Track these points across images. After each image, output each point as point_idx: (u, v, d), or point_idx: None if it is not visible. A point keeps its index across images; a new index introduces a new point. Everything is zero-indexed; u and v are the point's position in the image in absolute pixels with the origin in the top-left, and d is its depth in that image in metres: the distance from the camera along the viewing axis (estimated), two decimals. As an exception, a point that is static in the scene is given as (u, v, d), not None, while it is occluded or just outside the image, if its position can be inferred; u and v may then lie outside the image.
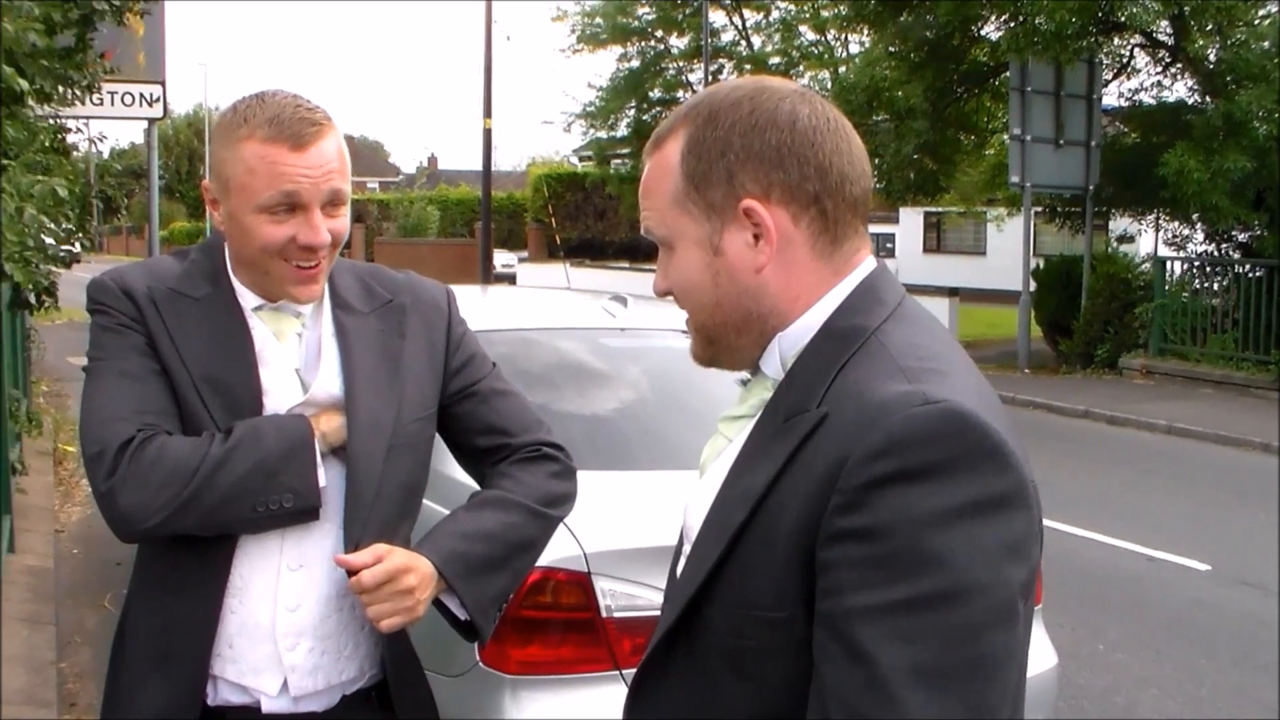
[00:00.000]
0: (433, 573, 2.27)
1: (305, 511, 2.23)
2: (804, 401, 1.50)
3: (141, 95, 15.23)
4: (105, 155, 15.38)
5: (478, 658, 3.41)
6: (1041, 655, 4.23)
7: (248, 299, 2.34)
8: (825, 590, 1.39)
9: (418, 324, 2.48)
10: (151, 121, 16.11)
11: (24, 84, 5.25)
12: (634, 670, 1.69)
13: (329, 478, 2.28)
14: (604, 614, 3.41)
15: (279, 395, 2.30)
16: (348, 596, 2.33)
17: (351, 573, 2.21)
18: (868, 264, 1.61)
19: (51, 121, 9.97)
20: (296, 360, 2.34)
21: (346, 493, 2.30)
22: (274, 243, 2.21)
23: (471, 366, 2.55)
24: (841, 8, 24.27)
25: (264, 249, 2.23)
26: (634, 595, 3.41)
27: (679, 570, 1.68)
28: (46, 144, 9.36)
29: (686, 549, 1.65)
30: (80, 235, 10.17)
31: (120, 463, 2.16)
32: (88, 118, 14.77)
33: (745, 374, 1.69)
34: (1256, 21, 17.50)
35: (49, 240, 8.38)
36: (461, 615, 2.37)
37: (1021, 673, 1.43)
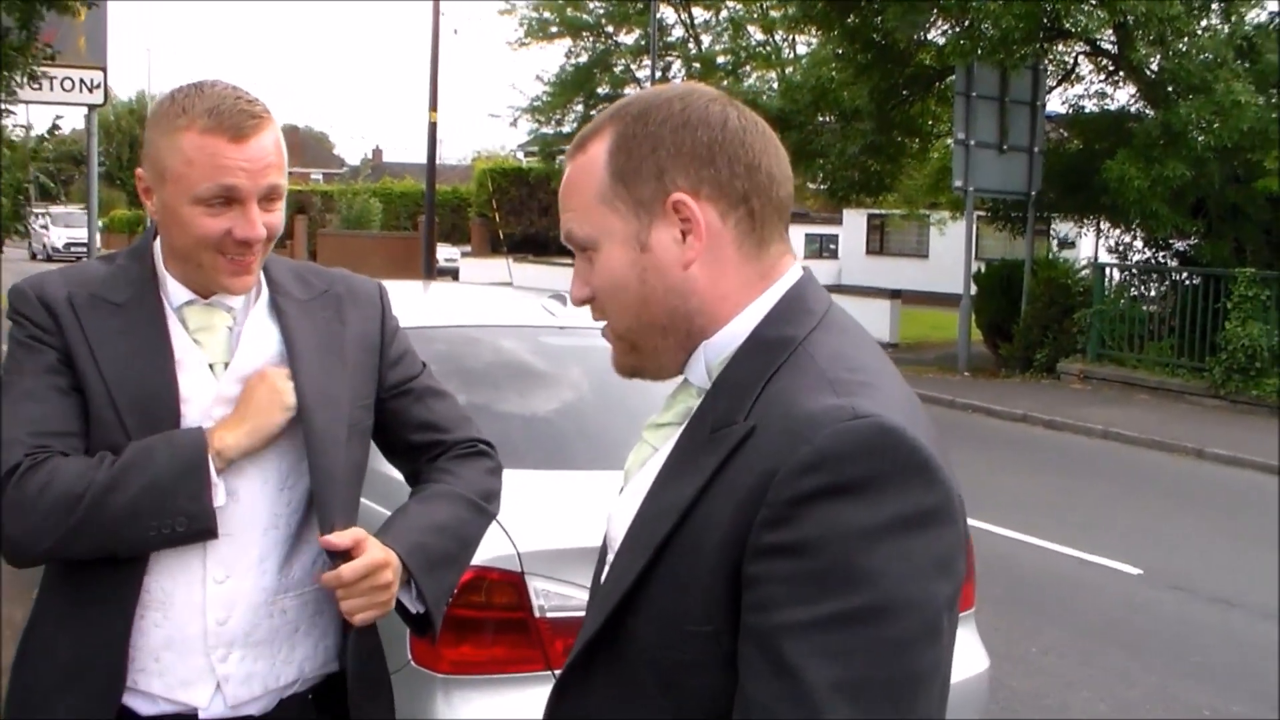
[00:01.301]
0: (399, 565, 2.25)
1: (201, 534, 2.18)
2: (732, 413, 1.49)
3: (82, 81, 15.08)
4: (45, 139, 15.14)
5: (409, 657, 3.38)
6: (973, 658, 4.26)
7: (178, 294, 2.30)
8: (752, 605, 1.38)
9: (354, 314, 2.47)
10: (92, 108, 15.93)
11: None
12: None
13: (249, 486, 2.25)
14: (537, 614, 3.39)
15: (198, 401, 2.26)
16: (277, 602, 2.31)
17: (333, 555, 2.20)
18: (794, 271, 1.61)
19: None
20: (225, 355, 2.30)
21: (314, 471, 2.28)
22: (209, 235, 2.18)
23: (406, 362, 2.55)
24: (789, 8, 24.35)
25: (198, 241, 2.19)
26: (567, 595, 3.39)
27: (602, 579, 1.66)
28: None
29: (610, 557, 1.63)
30: (16, 222, 10.05)
31: (5, 489, 2.11)
32: (25, 102, 14.57)
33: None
34: (1198, 34, 17.71)
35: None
36: (416, 609, 2.35)
37: (945, 687, 1.43)
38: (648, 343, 1.61)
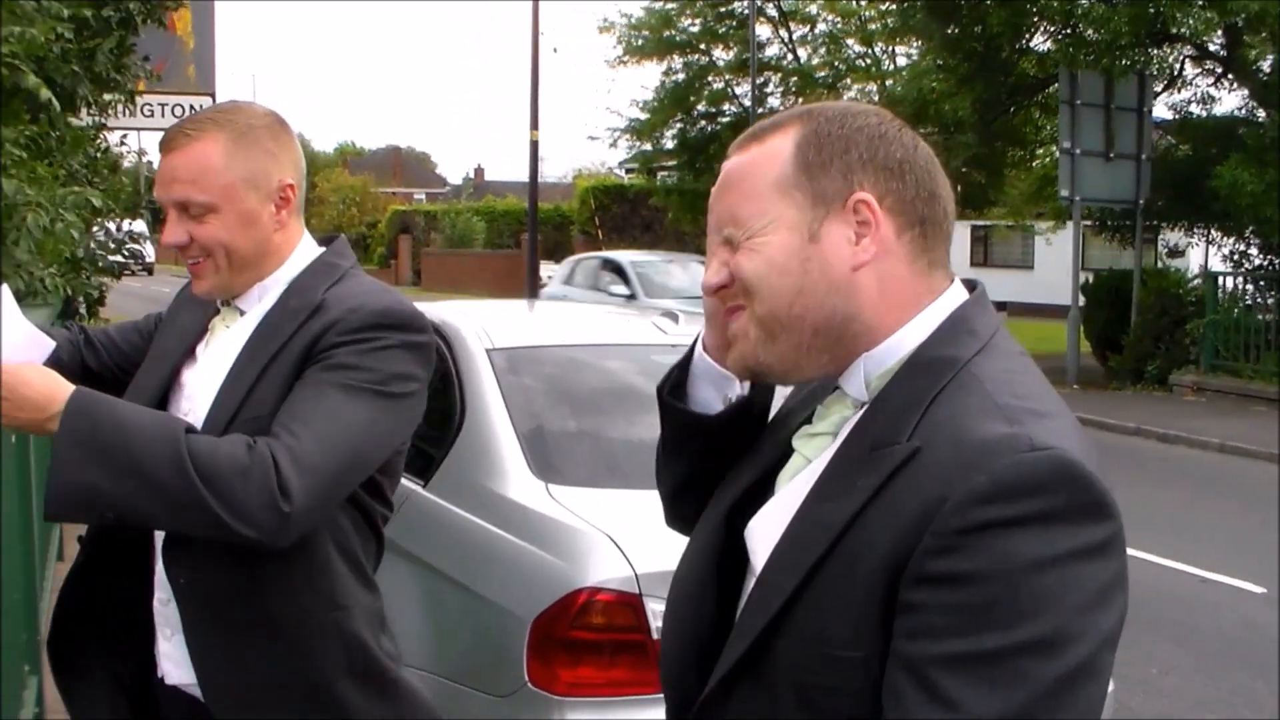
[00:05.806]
0: (56, 411, 2.12)
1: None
2: (894, 433, 1.45)
3: (191, 107, 15.38)
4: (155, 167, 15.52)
5: (525, 678, 3.37)
6: (1098, 681, 4.15)
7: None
8: (910, 632, 1.35)
9: (318, 322, 2.34)
10: (201, 133, 16.26)
11: (48, 94, 5.26)
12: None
13: None
14: (655, 636, 3.36)
15: (189, 395, 2.44)
16: None
17: None
18: (958, 293, 1.58)
19: (99, 135, 10.03)
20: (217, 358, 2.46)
21: None
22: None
23: (334, 362, 2.30)
24: (888, 20, 24.17)
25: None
26: (685, 617, 3.35)
27: (745, 595, 1.60)
28: (93, 154, 9.42)
29: (756, 568, 1.57)
30: (131, 244, 10.26)
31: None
32: (138, 129, 14.93)
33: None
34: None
35: (96, 250, 8.42)
36: None
37: None
38: (791, 337, 1.55)
